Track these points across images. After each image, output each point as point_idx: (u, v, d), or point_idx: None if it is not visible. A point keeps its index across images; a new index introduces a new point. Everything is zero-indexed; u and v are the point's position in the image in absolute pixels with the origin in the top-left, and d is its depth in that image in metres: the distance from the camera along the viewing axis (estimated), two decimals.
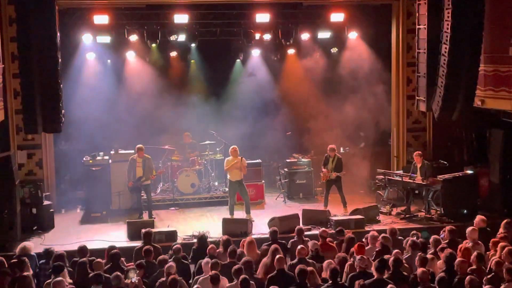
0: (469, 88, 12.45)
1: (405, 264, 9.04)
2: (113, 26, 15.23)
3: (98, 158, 14.77)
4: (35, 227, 13.32)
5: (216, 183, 16.17)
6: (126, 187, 14.32)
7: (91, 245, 10.88)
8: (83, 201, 15.09)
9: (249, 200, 14.08)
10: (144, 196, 14.24)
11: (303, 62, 17.61)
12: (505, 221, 10.46)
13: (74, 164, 15.60)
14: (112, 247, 9.97)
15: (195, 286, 8.33)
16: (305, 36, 16.47)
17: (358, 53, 16.66)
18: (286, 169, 16.29)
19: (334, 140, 14.92)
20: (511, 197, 13.78)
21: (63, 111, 12.42)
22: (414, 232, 10.60)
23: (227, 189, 14.61)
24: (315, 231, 11.77)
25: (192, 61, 17.66)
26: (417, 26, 13.40)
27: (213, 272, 8.34)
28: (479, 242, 9.86)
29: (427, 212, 13.73)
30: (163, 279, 8.47)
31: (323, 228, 11.33)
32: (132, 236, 12.33)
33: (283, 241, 10.47)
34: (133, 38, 15.62)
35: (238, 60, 18.00)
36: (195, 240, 11.12)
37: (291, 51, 17.67)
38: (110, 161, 14.83)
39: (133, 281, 8.39)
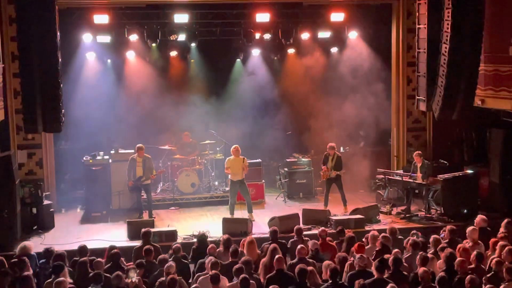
0: (469, 88, 12.44)
1: (405, 264, 9.05)
2: (113, 25, 15.24)
3: (98, 157, 14.76)
4: (35, 227, 13.32)
5: (216, 183, 16.17)
6: (126, 187, 14.31)
7: (91, 245, 10.88)
8: (83, 200, 15.08)
9: (251, 201, 14.07)
10: (144, 195, 14.24)
11: (303, 61, 17.60)
12: (505, 220, 10.45)
13: (74, 164, 15.61)
14: (112, 247, 9.97)
15: (194, 285, 8.33)
16: (305, 35, 16.47)
17: (358, 53, 16.67)
18: (286, 169, 16.28)
19: (335, 140, 14.89)
20: (511, 196, 13.78)
21: (63, 110, 12.40)
22: (414, 231, 10.61)
23: (227, 189, 14.61)
24: (315, 231, 11.75)
25: (192, 60, 17.65)
26: (417, 26, 13.39)
27: (213, 271, 8.34)
28: (480, 242, 9.87)
29: (427, 211, 13.73)
30: (163, 278, 8.48)
31: (322, 228, 11.35)
32: (132, 235, 12.32)
33: (283, 241, 10.48)
34: (133, 37, 15.64)
35: (238, 60, 17.99)
36: (195, 240, 11.12)
37: (291, 51, 17.65)
38: (110, 160, 14.83)
39: (133, 281, 8.40)
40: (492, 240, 9.80)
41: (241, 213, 13.94)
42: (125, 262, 9.77)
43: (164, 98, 16.38)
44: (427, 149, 15.89)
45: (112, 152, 15.01)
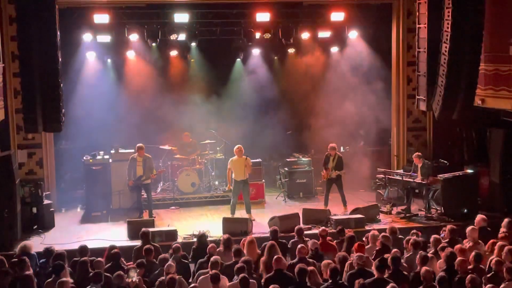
0: (469, 87, 12.45)
1: (404, 264, 9.05)
2: (113, 25, 15.24)
3: (99, 157, 14.74)
4: (35, 226, 13.32)
5: (217, 182, 16.16)
6: (127, 186, 14.31)
7: (91, 245, 10.85)
8: (84, 200, 15.08)
9: (249, 201, 14.07)
10: (145, 195, 14.23)
11: (303, 61, 17.60)
12: (506, 220, 10.44)
13: (74, 163, 15.61)
14: (112, 247, 9.97)
15: (192, 284, 8.32)
16: (305, 35, 16.47)
17: (358, 52, 16.67)
18: (286, 168, 16.29)
19: (335, 140, 14.89)
20: (511, 196, 13.77)
21: (63, 110, 12.41)
22: (414, 231, 10.59)
23: (227, 189, 14.61)
24: (315, 230, 11.76)
25: (192, 60, 17.65)
26: (417, 25, 13.40)
27: (213, 271, 8.34)
28: (480, 241, 9.86)
29: (428, 211, 13.73)
30: (163, 278, 8.48)
31: (322, 227, 11.35)
32: (132, 235, 12.31)
33: (284, 241, 10.47)
34: (133, 37, 15.65)
35: (238, 59, 17.99)
36: (195, 239, 11.12)
37: (291, 50, 17.65)
38: (110, 160, 14.82)
39: (133, 280, 8.40)
40: (491, 241, 9.79)
41: (241, 213, 13.94)
42: (125, 262, 9.77)
43: (164, 97, 16.38)
44: (427, 148, 15.89)
45: (112, 151, 15.00)
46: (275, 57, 18.20)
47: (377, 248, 9.78)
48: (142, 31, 15.54)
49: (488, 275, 8.40)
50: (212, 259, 8.86)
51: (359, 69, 16.61)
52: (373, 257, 9.36)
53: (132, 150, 14.40)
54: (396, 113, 16.11)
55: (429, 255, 9.05)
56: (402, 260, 9.14)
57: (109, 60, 16.90)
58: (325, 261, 8.92)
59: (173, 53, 17.09)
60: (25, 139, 14.40)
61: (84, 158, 14.78)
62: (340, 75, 16.83)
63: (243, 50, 17.58)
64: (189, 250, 10.46)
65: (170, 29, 15.60)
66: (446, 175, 13.74)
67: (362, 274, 8.27)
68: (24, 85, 11.97)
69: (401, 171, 14.69)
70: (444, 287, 7.95)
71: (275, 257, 8.71)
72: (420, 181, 13.63)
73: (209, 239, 11.22)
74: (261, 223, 13.31)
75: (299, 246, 9.37)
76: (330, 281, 8.18)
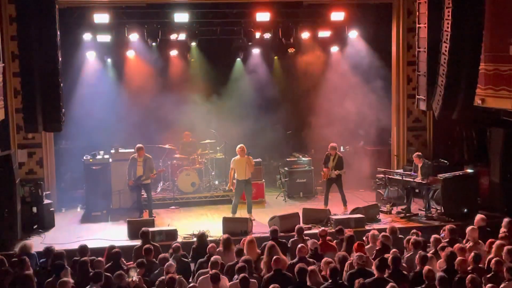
0: (469, 87, 12.45)
1: (404, 264, 9.05)
2: (113, 25, 15.24)
3: (99, 157, 14.74)
4: (36, 226, 13.31)
5: (217, 182, 16.16)
6: (127, 186, 14.31)
7: (91, 244, 10.83)
8: (84, 200, 15.07)
9: (251, 201, 14.06)
10: (145, 195, 14.23)
11: (303, 61, 17.60)
12: (507, 220, 10.45)
13: (74, 163, 15.59)
14: (112, 246, 9.98)
15: (191, 284, 8.32)
16: (305, 35, 16.47)
17: (358, 52, 16.66)
18: (286, 168, 16.29)
19: (335, 139, 14.89)
20: (511, 196, 13.77)
21: (63, 110, 12.42)
22: (414, 231, 10.60)
23: (227, 188, 14.60)
24: (316, 230, 11.76)
25: (192, 60, 17.65)
26: (418, 25, 13.40)
27: (213, 271, 8.34)
28: (480, 241, 9.86)
29: (427, 211, 13.73)
30: (163, 277, 8.48)
31: (322, 227, 11.35)
32: (132, 235, 12.31)
33: (284, 240, 10.48)
34: (133, 37, 15.65)
35: (238, 59, 17.99)
36: (195, 239, 11.12)
37: (291, 50, 17.64)
38: (110, 160, 14.82)
39: (134, 280, 8.40)
40: (489, 240, 9.78)
41: (241, 213, 13.93)
42: (125, 262, 9.78)
43: (164, 97, 16.37)
44: (428, 148, 15.89)
45: (112, 151, 15.00)
46: (275, 57, 18.21)
47: (377, 248, 9.78)
48: (142, 30, 15.54)
49: (488, 275, 8.40)
50: (212, 259, 8.87)
51: (359, 69, 16.60)
52: (373, 256, 9.36)
53: (132, 150, 14.40)
54: (396, 112, 16.12)
55: (429, 255, 9.05)
56: (402, 260, 9.15)
57: (109, 60, 16.89)
58: (325, 259, 8.93)
59: (173, 52, 17.10)
60: (25, 139, 14.40)
61: (84, 157, 14.78)
62: (340, 75, 16.83)
63: (243, 49, 17.58)
64: (189, 250, 10.47)
65: (170, 28, 15.61)
66: (446, 175, 13.74)
67: (362, 273, 8.27)
68: (24, 85, 11.98)
69: (401, 170, 14.70)
70: (444, 287, 7.95)
71: (275, 257, 8.71)
72: (420, 181, 13.63)
73: (209, 238, 11.22)
74: (261, 223, 13.32)
75: (299, 245, 9.37)
76: (330, 280, 8.18)
